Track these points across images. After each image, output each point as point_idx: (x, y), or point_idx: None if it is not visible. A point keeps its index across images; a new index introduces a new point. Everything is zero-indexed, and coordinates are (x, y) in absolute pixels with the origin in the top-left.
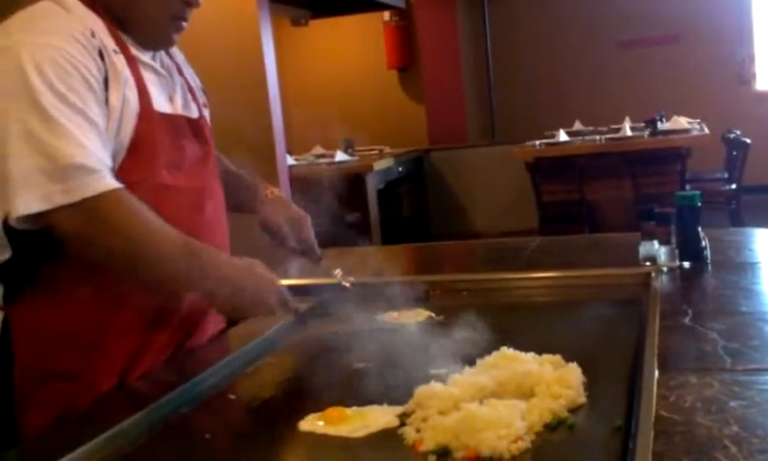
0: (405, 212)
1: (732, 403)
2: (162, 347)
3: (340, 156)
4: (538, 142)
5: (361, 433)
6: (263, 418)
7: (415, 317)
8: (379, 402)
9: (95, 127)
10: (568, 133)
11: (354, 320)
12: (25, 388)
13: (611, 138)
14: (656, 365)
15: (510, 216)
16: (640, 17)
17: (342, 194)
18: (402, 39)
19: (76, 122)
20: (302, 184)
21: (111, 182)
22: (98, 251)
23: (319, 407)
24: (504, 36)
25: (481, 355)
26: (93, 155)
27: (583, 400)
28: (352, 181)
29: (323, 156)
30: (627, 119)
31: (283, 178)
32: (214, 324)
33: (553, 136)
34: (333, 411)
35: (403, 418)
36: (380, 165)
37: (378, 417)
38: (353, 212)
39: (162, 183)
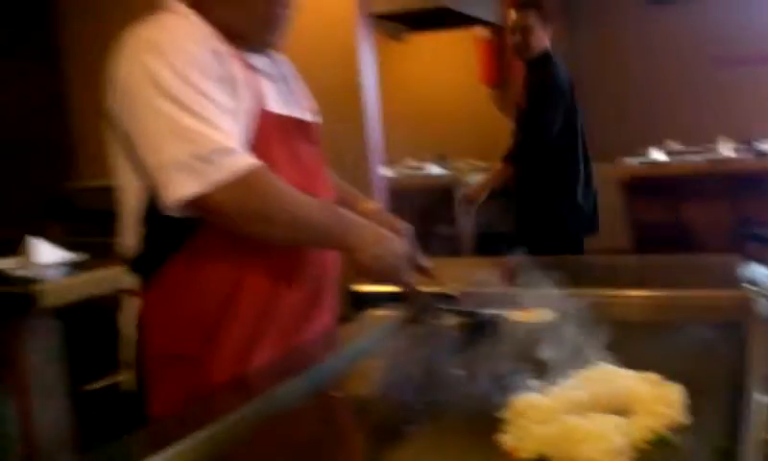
0: (496, 227)
1: None
2: (272, 342)
3: (433, 169)
4: (636, 161)
5: None
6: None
7: (538, 317)
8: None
9: (228, 114)
10: (665, 152)
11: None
12: (153, 370)
13: (711, 160)
14: (763, 388)
15: (599, 234)
16: (737, 33)
17: (433, 206)
18: (494, 55)
19: (211, 111)
20: (396, 196)
21: (255, 160)
22: (259, 224)
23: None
24: (592, 50)
25: (577, 369)
26: (233, 137)
27: (684, 420)
28: (444, 195)
29: (415, 168)
30: (722, 138)
31: (378, 189)
32: (320, 324)
33: (644, 155)
34: None
35: (500, 425)
36: (473, 179)
37: None
38: (445, 225)
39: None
